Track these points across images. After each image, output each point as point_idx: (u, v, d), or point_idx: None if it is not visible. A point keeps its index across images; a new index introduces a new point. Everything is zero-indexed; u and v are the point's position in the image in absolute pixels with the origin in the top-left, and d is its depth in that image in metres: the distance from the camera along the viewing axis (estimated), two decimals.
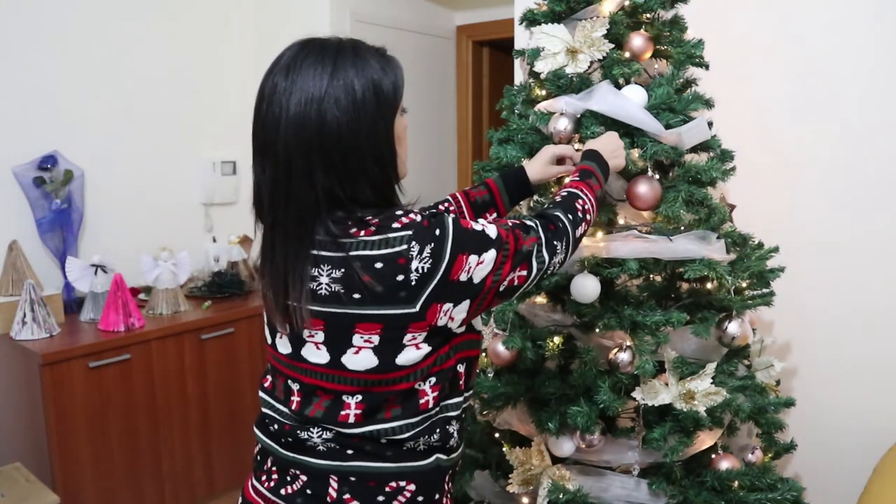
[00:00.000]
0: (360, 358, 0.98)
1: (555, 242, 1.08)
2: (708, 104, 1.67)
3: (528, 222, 1.08)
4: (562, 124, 1.57)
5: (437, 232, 0.95)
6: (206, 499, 2.70)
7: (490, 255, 0.98)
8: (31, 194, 2.59)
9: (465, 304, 0.99)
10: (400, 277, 0.94)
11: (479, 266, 0.97)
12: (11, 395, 2.44)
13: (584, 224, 1.17)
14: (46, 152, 2.63)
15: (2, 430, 2.53)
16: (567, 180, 1.26)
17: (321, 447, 1.03)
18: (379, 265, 0.94)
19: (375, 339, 0.97)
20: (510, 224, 1.05)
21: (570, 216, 1.14)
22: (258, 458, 1.13)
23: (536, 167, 1.44)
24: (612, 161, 1.38)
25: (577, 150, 1.58)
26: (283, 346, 1.06)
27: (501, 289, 1.02)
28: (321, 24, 3.14)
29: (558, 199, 1.19)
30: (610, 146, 1.39)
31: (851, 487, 2.05)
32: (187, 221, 3.20)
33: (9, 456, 2.49)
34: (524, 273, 1.04)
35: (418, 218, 0.97)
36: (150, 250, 2.72)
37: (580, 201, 1.18)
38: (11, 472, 2.21)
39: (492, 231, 1.00)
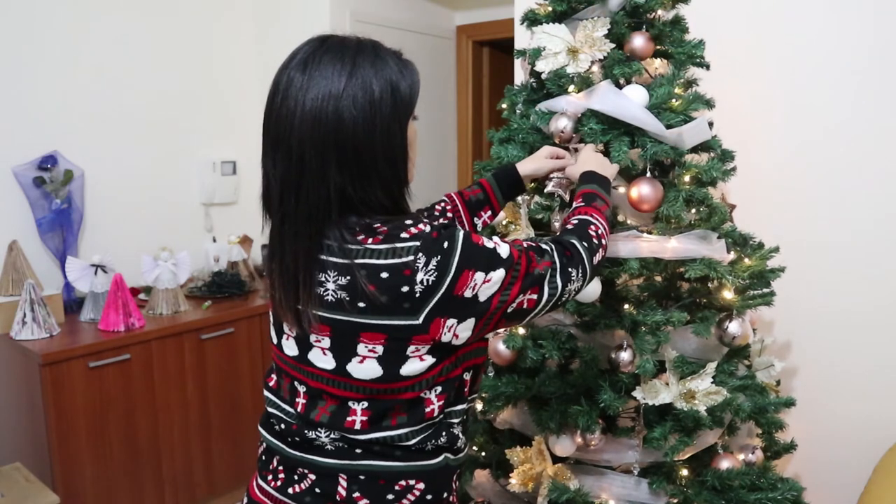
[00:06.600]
0: (365, 367, 0.97)
1: (570, 269, 1.05)
2: (709, 104, 1.67)
3: (544, 246, 1.05)
4: (562, 123, 1.58)
5: (446, 245, 0.93)
6: (207, 499, 2.70)
7: (498, 275, 0.96)
8: (31, 194, 2.59)
9: (470, 322, 0.97)
10: (404, 288, 0.93)
11: (485, 284, 0.95)
12: (11, 395, 2.44)
13: (600, 251, 1.14)
14: (46, 152, 2.63)
15: (2, 430, 2.53)
16: (573, 207, 1.24)
17: (329, 446, 1.03)
18: (384, 275, 0.93)
19: (379, 349, 0.96)
20: (525, 245, 1.03)
21: (585, 244, 1.10)
22: (263, 457, 1.12)
23: (529, 164, 1.45)
24: (608, 171, 1.36)
25: (576, 149, 1.58)
26: (290, 349, 1.05)
27: (510, 310, 0.99)
28: (321, 24, 3.14)
29: (570, 226, 1.15)
30: (597, 162, 1.38)
31: (851, 487, 2.06)
32: (187, 221, 3.20)
33: (9, 456, 2.48)
34: (534, 297, 1.00)
35: (427, 229, 0.94)
36: (150, 250, 2.72)
37: (593, 227, 1.15)
38: (11, 472, 2.21)
39: (503, 250, 0.98)
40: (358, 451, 1.02)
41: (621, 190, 1.65)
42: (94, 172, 2.80)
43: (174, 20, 3.06)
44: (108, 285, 2.51)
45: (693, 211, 1.63)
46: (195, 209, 3.24)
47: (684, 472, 1.65)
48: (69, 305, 2.64)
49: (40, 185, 2.59)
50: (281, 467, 1.08)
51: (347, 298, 0.95)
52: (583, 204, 1.22)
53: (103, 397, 2.35)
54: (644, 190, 1.54)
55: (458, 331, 0.97)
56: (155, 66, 3.01)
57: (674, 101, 1.58)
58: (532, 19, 1.71)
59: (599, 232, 1.15)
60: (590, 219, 1.17)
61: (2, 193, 2.58)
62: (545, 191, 1.51)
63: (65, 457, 2.26)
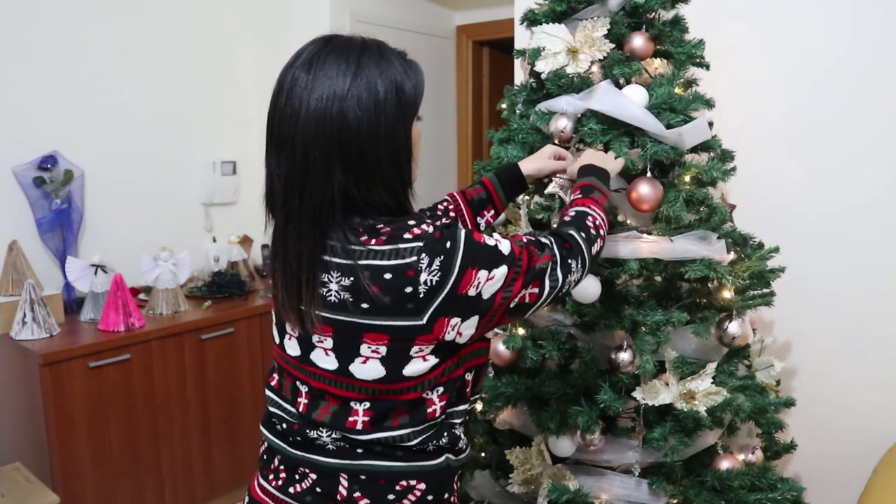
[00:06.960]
0: (368, 368, 0.98)
1: (569, 261, 1.06)
2: (708, 104, 1.67)
3: (543, 239, 1.05)
4: (562, 124, 1.58)
5: (448, 244, 0.93)
6: (207, 499, 2.70)
7: (501, 272, 0.96)
8: (31, 194, 2.59)
9: (474, 319, 0.97)
10: (408, 289, 0.93)
11: (488, 282, 0.95)
12: (11, 395, 2.44)
13: (598, 241, 1.14)
14: (46, 152, 2.63)
15: (2, 430, 2.53)
16: (571, 199, 1.24)
17: (330, 446, 1.03)
18: (388, 276, 0.93)
19: (383, 349, 0.96)
20: (525, 240, 1.03)
21: (583, 234, 1.11)
22: (265, 456, 1.12)
23: (532, 163, 1.45)
24: (609, 166, 1.37)
25: (578, 150, 1.58)
26: (292, 349, 1.05)
27: (512, 306, 0.99)
28: (321, 24, 3.14)
29: (567, 218, 1.16)
30: (597, 158, 1.38)
31: (851, 487, 2.06)
32: (187, 221, 3.20)
33: (9, 456, 2.48)
34: (536, 291, 1.01)
35: (430, 229, 0.94)
36: (150, 250, 2.72)
37: (590, 218, 1.15)
38: (11, 472, 2.21)
39: (505, 247, 0.98)
40: (359, 451, 1.02)
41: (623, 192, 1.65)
42: (94, 172, 2.80)
43: (175, 20, 3.06)
44: (108, 285, 2.51)
45: (693, 211, 1.63)
46: (195, 209, 3.24)
47: (684, 472, 1.65)
48: (69, 305, 2.64)
49: (40, 185, 2.59)
50: (282, 467, 1.08)
51: (351, 299, 0.95)
52: (580, 196, 1.23)
53: (103, 397, 2.35)
54: (644, 190, 1.54)
55: (462, 329, 0.97)
56: (155, 66, 3.01)
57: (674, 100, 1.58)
58: (532, 19, 1.70)
59: (597, 223, 1.16)
60: (587, 210, 1.17)
61: (2, 193, 2.58)
62: (546, 191, 1.51)
63: (65, 457, 2.26)
